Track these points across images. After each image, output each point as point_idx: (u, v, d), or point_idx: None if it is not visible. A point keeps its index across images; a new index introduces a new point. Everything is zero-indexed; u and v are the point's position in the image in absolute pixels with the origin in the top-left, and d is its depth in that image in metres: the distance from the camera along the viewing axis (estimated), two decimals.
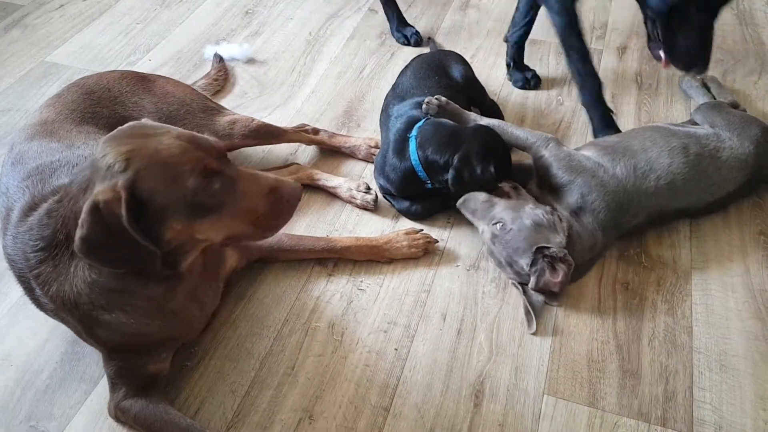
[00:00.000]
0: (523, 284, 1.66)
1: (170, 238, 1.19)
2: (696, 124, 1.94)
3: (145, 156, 1.14)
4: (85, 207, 1.12)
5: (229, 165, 1.25)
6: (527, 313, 1.62)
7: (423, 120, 1.82)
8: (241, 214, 1.24)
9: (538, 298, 1.64)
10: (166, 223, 1.17)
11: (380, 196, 1.91)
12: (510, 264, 1.63)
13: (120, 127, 1.23)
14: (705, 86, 2.20)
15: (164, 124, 1.25)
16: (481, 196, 1.69)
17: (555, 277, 1.56)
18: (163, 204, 1.15)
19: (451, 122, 1.81)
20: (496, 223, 1.62)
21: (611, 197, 1.67)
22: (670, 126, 1.87)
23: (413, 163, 1.77)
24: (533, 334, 1.59)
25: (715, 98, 2.13)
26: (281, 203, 1.28)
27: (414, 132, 1.80)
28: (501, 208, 1.65)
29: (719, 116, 1.87)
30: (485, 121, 1.85)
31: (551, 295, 1.61)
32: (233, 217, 1.24)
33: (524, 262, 1.59)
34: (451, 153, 1.69)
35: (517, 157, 1.97)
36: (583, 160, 1.73)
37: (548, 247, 1.56)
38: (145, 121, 1.27)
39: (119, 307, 1.28)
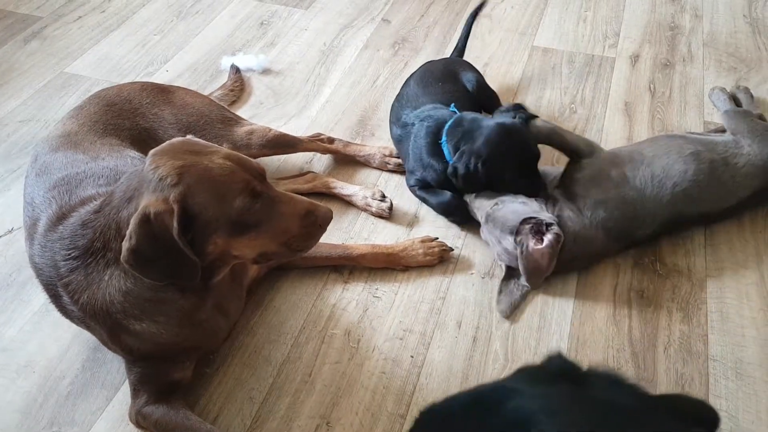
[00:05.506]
0: (511, 268, 1.69)
1: (210, 252, 1.24)
2: (721, 133, 1.95)
3: (196, 173, 1.19)
4: (134, 218, 1.16)
5: (269, 186, 1.29)
6: (499, 292, 1.66)
7: (449, 122, 1.83)
8: (277, 235, 1.29)
9: (519, 290, 1.68)
10: (210, 238, 1.21)
11: (396, 203, 1.93)
12: (500, 242, 1.65)
13: (169, 141, 1.27)
14: (734, 99, 2.20)
15: (212, 144, 1.29)
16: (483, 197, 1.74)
17: (538, 245, 1.58)
18: (210, 220, 1.19)
19: (474, 116, 1.81)
20: (495, 205, 1.68)
21: (629, 208, 1.70)
22: (686, 134, 1.89)
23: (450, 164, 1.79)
24: (507, 318, 1.63)
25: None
26: (314, 227, 1.33)
27: (444, 137, 1.81)
28: (502, 196, 1.71)
29: (743, 123, 1.89)
30: (539, 122, 1.85)
31: (535, 273, 1.62)
32: (269, 237, 1.28)
33: (512, 238, 1.61)
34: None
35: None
36: (612, 174, 1.75)
37: (534, 217, 1.59)
38: (190, 137, 1.31)
39: (151, 316, 1.31)
